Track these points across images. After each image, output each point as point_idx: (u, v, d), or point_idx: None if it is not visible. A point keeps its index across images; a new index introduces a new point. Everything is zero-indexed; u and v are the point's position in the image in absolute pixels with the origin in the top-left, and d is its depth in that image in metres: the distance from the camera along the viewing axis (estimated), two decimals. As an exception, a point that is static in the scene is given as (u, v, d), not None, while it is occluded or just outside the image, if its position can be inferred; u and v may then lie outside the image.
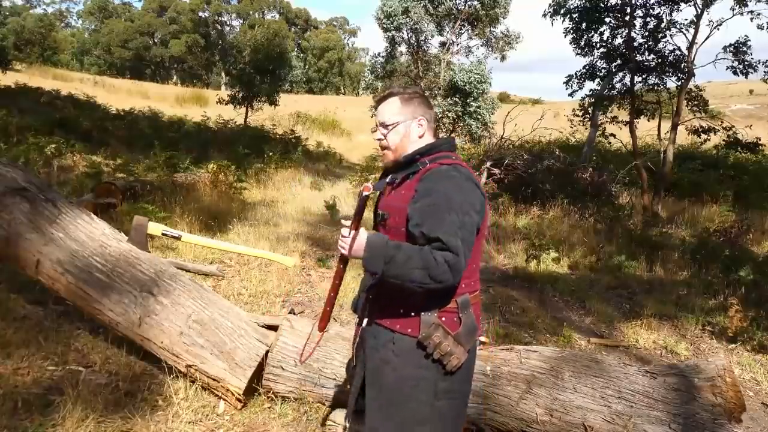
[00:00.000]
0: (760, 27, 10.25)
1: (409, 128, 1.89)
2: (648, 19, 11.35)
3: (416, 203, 1.75)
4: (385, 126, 1.91)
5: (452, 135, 17.20)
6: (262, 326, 3.06)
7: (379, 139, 1.93)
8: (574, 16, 11.87)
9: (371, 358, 1.89)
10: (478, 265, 1.94)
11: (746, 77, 10.99)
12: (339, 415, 2.80)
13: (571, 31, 12.04)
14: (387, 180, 1.93)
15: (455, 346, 1.77)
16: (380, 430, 1.84)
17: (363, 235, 1.75)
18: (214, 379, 2.82)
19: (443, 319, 1.78)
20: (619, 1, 11.45)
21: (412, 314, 1.80)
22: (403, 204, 1.79)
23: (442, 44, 18.41)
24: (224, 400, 2.88)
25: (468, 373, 1.90)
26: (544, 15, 12.21)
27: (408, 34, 17.70)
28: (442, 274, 1.63)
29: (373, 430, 1.87)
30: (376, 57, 18.85)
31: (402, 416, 1.80)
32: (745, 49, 10.57)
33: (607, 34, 11.85)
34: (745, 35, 10.57)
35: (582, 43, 12.04)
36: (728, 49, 10.69)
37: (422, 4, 16.83)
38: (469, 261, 1.75)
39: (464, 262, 1.68)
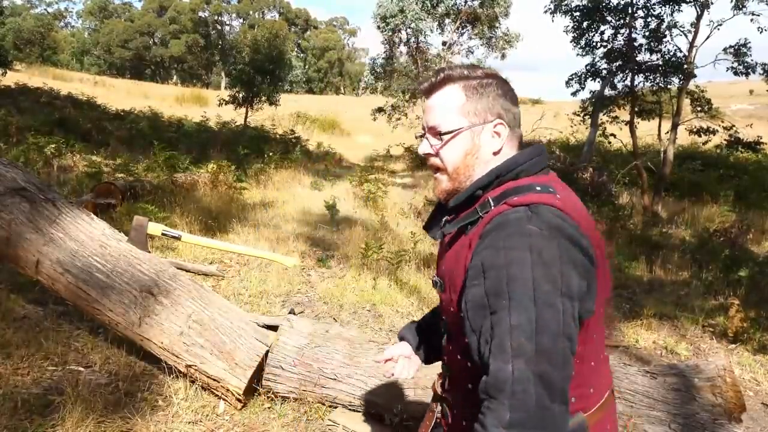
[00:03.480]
0: (760, 30, 10.25)
1: (478, 139, 1.16)
2: (649, 19, 11.36)
3: (470, 289, 1.06)
4: (437, 133, 1.17)
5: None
6: (262, 326, 3.06)
7: (428, 155, 1.20)
8: (575, 14, 11.88)
9: None
10: (599, 362, 1.18)
11: (747, 77, 11.01)
12: (339, 415, 2.81)
13: (572, 30, 12.06)
14: (442, 226, 1.23)
15: None
16: None
17: None
18: (214, 379, 2.82)
19: None
20: (621, 1, 11.47)
21: None
22: (459, 271, 1.13)
23: (444, 44, 18.45)
24: (224, 400, 2.88)
25: None
26: (545, 11, 12.22)
27: (407, 34, 17.73)
28: None
29: None
30: (376, 58, 18.94)
31: None
32: (745, 50, 10.60)
33: (608, 33, 11.88)
34: (745, 38, 10.61)
35: (583, 43, 12.06)
36: (728, 51, 10.71)
37: (419, 1, 16.87)
38: (576, 364, 1.04)
39: (537, 399, 0.96)
